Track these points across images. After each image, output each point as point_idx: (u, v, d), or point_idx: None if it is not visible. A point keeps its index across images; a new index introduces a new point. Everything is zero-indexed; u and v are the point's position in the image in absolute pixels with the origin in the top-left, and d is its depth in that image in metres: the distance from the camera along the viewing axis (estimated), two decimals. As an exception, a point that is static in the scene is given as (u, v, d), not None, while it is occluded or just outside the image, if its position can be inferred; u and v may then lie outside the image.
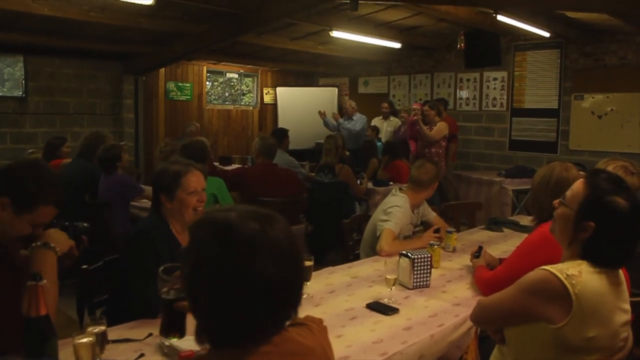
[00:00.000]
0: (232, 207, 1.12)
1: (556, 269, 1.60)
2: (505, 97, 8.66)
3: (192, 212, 2.34)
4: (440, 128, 6.78)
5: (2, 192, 1.76)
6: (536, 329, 1.62)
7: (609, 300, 1.60)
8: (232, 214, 1.08)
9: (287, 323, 1.14)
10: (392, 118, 8.45)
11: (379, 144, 7.57)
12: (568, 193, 1.73)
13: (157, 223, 2.31)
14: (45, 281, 1.51)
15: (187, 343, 1.76)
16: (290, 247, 1.09)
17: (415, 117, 6.90)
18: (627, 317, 1.66)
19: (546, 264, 1.75)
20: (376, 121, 8.62)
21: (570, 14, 6.71)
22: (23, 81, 7.59)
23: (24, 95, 7.59)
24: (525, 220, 4.12)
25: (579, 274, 1.58)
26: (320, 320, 1.29)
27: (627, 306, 1.68)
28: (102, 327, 1.70)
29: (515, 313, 1.69)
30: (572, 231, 1.68)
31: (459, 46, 7.95)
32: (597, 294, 1.58)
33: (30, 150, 6.25)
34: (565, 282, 1.56)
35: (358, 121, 8.15)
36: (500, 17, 6.33)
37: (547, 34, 7.44)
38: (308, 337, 1.17)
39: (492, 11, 6.35)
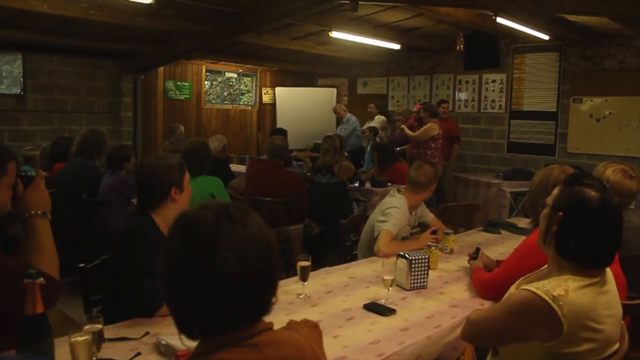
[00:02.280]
0: (208, 204, 1.14)
1: (542, 290, 1.56)
2: (504, 99, 8.68)
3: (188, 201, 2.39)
4: (427, 129, 6.78)
5: None
6: (529, 346, 1.61)
7: (598, 314, 1.57)
8: (202, 211, 1.11)
9: (267, 321, 1.16)
10: (377, 117, 8.49)
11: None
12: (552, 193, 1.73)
13: (145, 222, 2.31)
14: (41, 279, 1.50)
15: (184, 342, 1.75)
16: (258, 243, 1.10)
17: (399, 123, 7.26)
18: (618, 321, 1.65)
19: (543, 265, 1.75)
20: (369, 123, 8.65)
21: (570, 17, 6.72)
22: (21, 79, 7.58)
23: (22, 92, 7.59)
24: (523, 222, 4.12)
25: (565, 294, 1.54)
26: (314, 324, 1.29)
27: (617, 310, 1.66)
28: (99, 326, 1.69)
29: (504, 333, 1.67)
30: (546, 226, 1.67)
31: (458, 48, 7.96)
32: (585, 310, 1.55)
33: (28, 148, 6.23)
34: (553, 304, 1.52)
35: (349, 122, 8.29)
36: (499, 20, 6.34)
37: (546, 37, 7.46)
38: (296, 338, 1.19)
39: (491, 13, 6.35)
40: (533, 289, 1.58)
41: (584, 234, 1.60)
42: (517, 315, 1.60)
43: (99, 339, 1.68)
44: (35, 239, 1.80)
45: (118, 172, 4.56)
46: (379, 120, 8.44)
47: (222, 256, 1.05)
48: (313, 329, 1.27)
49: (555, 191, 1.70)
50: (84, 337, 1.60)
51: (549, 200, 1.71)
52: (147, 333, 1.89)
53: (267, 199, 4.61)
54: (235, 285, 1.06)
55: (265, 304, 1.13)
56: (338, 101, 10.51)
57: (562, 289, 1.56)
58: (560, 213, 1.63)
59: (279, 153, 5.01)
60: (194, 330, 1.11)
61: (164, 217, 2.31)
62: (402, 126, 6.99)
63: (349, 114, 8.56)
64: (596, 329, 1.56)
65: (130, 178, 4.66)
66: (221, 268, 1.05)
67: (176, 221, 1.13)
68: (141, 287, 2.04)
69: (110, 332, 1.87)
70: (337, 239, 3.77)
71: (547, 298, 1.54)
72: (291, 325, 1.25)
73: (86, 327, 1.66)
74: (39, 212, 1.83)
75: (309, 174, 6.21)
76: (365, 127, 8.46)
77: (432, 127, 6.80)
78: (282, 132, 6.51)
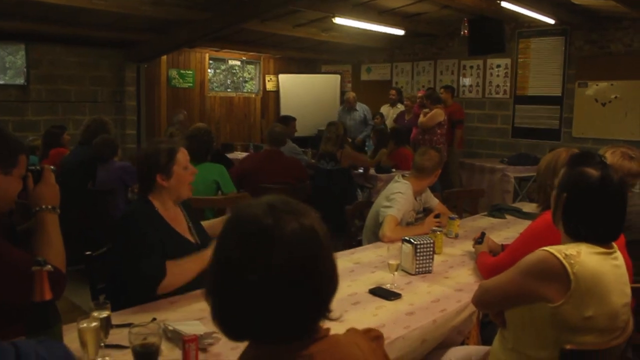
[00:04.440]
0: (259, 201, 1.04)
1: (555, 249, 1.63)
2: (508, 84, 8.63)
3: (187, 188, 2.40)
4: (434, 115, 6.76)
5: None
6: (535, 310, 1.64)
7: (607, 281, 1.62)
8: (254, 208, 1.02)
9: (326, 327, 1.07)
10: (398, 105, 8.44)
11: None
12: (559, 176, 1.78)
13: (140, 206, 2.35)
14: (49, 266, 1.52)
15: (191, 328, 1.77)
16: (316, 239, 1.01)
17: (408, 103, 7.31)
18: (627, 299, 1.68)
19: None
20: (383, 108, 8.63)
21: (575, 0, 6.66)
22: (25, 69, 7.57)
23: (26, 83, 7.59)
24: (528, 207, 4.13)
25: (577, 254, 1.60)
26: (377, 335, 1.21)
27: (627, 289, 1.70)
28: (107, 312, 1.71)
29: (515, 294, 1.71)
30: (555, 207, 1.74)
31: (462, 33, 7.90)
32: (595, 274, 1.60)
33: (31, 138, 6.25)
34: (564, 261, 1.58)
35: (361, 110, 8.30)
36: (504, 4, 6.29)
37: (551, 21, 7.39)
38: (354, 354, 1.10)
39: (496, -3, 6.31)
40: (547, 248, 1.64)
41: (587, 211, 1.67)
42: (529, 273, 1.66)
43: (106, 325, 1.70)
44: (43, 233, 1.83)
45: (112, 160, 4.59)
46: (400, 109, 8.38)
47: (277, 254, 0.97)
48: (373, 341, 1.19)
49: (561, 173, 1.75)
50: (92, 324, 1.61)
51: (556, 182, 1.76)
52: (154, 319, 1.91)
53: (270, 185, 4.62)
54: (289, 282, 0.98)
55: (324, 307, 1.05)
56: (342, 87, 10.48)
57: (575, 250, 1.62)
58: (565, 194, 1.69)
59: (278, 140, 5.03)
60: (241, 339, 1.04)
61: (160, 200, 2.36)
62: (424, 112, 6.90)
63: (358, 102, 8.54)
64: (604, 295, 1.60)
65: (126, 164, 4.69)
66: (277, 266, 0.97)
67: (227, 221, 1.06)
68: (138, 267, 2.09)
69: (117, 318, 1.89)
70: (341, 225, 3.78)
71: (559, 255, 1.60)
72: (350, 335, 1.16)
73: (94, 314, 1.67)
74: (49, 206, 1.86)
75: (312, 160, 6.21)
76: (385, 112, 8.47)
77: (438, 113, 6.78)
78: (290, 120, 6.50)
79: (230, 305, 1.00)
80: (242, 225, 1.01)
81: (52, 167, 1.96)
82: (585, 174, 1.66)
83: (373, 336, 1.20)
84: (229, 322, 1.02)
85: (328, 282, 1.05)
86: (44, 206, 1.85)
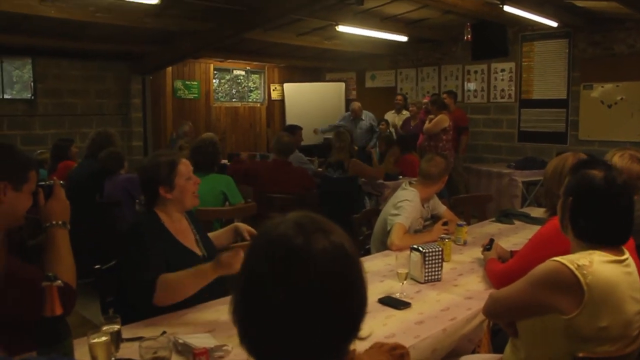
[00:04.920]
0: (288, 219, 1.01)
1: (567, 259, 1.60)
2: (513, 88, 8.61)
3: (192, 197, 2.40)
4: (438, 121, 6.75)
5: None
6: (548, 321, 1.62)
7: (621, 290, 1.60)
8: (281, 225, 0.99)
9: (352, 348, 1.02)
10: (404, 111, 8.44)
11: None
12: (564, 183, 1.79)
13: (146, 219, 2.36)
14: (59, 282, 1.52)
15: (201, 340, 1.77)
16: (342, 261, 0.98)
17: (413, 110, 7.34)
18: (639, 306, 1.65)
19: (559, 256, 1.74)
20: (388, 115, 8.64)
21: (578, 2, 6.66)
22: (32, 83, 7.64)
23: (32, 97, 7.64)
24: (536, 212, 4.10)
25: (589, 264, 1.58)
26: (401, 354, 1.17)
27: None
28: (117, 326, 1.71)
29: (527, 305, 1.69)
30: (562, 214, 1.74)
31: (465, 38, 7.90)
32: (608, 283, 1.58)
33: (39, 152, 6.29)
34: (577, 272, 1.56)
35: (367, 119, 8.34)
36: (506, 8, 6.28)
37: (554, 24, 7.38)
38: None
39: (498, 2, 6.30)
40: (558, 259, 1.63)
41: (593, 213, 1.66)
42: (541, 284, 1.64)
43: (117, 339, 1.70)
44: (54, 248, 1.83)
45: (118, 173, 4.62)
46: (405, 115, 8.38)
47: (309, 274, 0.93)
48: (397, 359, 1.16)
49: (566, 180, 1.75)
50: (102, 338, 1.62)
51: (562, 190, 1.76)
52: (164, 332, 1.91)
53: (277, 195, 4.62)
54: (320, 303, 0.93)
55: (355, 328, 0.99)
56: (347, 95, 10.49)
57: (587, 260, 1.60)
58: (570, 198, 1.69)
59: (286, 150, 5.03)
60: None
61: (166, 212, 2.36)
62: (429, 118, 6.90)
63: (363, 111, 8.55)
64: (617, 305, 1.59)
65: (132, 176, 4.71)
66: (308, 287, 0.93)
67: (255, 240, 1.02)
68: (140, 278, 2.08)
69: (127, 332, 1.89)
70: (349, 234, 3.77)
71: (571, 266, 1.58)
72: (375, 354, 1.13)
73: (104, 328, 1.68)
74: (59, 222, 1.87)
75: (319, 169, 6.22)
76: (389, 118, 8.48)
77: (443, 119, 6.77)
78: (296, 129, 6.51)
79: (258, 327, 0.96)
80: (272, 246, 0.97)
81: (61, 182, 1.97)
82: (588, 176, 1.66)
83: (398, 354, 1.17)
84: (256, 344, 0.98)
85: (359, 301, 1.00)
86: (54, 222, 1.86)
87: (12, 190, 1.78)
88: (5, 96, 7.52)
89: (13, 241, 1.91)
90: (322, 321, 0.94)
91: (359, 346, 1.07)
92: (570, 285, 1.57)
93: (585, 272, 1.56)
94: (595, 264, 1.59)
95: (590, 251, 1.64)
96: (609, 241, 1.66)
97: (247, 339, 0.98)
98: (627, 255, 1.68)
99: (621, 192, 1.65)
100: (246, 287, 0.98)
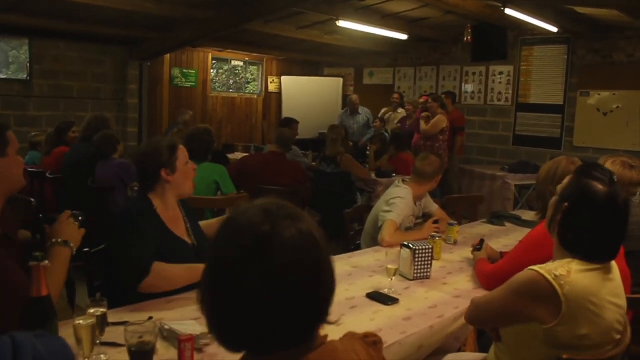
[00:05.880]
0: (256, 206, 1.00)
1: (545, 269, 1.58)
2: (510, 91, 8.63)
3: (191, 183, 2.41)
4: (437, 122, 6.74)
5: None
6: (529, 328, 1.62)
7: (600, 297, 1.58)
8: (250, 209, 1.00)
9: (324, 334, 1.04)
10: (399, 110, 8.44)
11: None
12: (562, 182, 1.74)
13: (139, 204, 2.36)
14: (47, 262, 1.51)
15: (188, 327, 1.76)
16: (312, 241, 0.99)
17: (409, 108, 7.33)
18: (621, 312, 1.65)
19: (549, 259, 1.74)
20: (384, 111, 8.62)
21: (579, 9, 6.67)
22: (28, 64, 7.58)
23: (28, 78, 7.59)
24: (528, 215, 4.12)
25: (567, 274, 1.56)
26: (374, 340, 1.18)
27: (621, 301, 1.66)
28: (103, 310, 1.70)
29: (506, 313, 1.69)
30: (552, 214, 1.69)
31: (465, 39, 7.89)
32: (586, 292, 1.56)
33: (34, 133, 6.25)
34: (554, 283, 1.54)
35: (364, 114, 8.32)
36: (508, 11, 6.29)
37: (555, 29, 7.40)
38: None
39: (500, 4, 6.31)
40: (536, 269, 1.60)
41: (586, 227, 1.61)
42: (519, 294, 1.62)
43: (102, 322, 1.69)
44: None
45: (112, 157, 4.60)
46: (401, 113, 8.37)
47: (276, 261, 0.94)
48: (371, 346, 1.17)
49: (566, 180, 1.71)
50: (88, 321, 1.61)
51: (559, 188, 1.71)
52: (150, 317, 1.90)
53: (270, 187, 4.62)
54: (289, 290, 0.94)
55: (323, 313, 1.01)
56: (344, 91, 10.49)
57: (565, 269, 1.58)
58: (566, 204, 1.63)
59: (287, 144, 5.08)
60: (239, 349, 1.00)
61: (162, 199, 2.35)
62: (423, 116, 6.89)
63: (360, 107, 8.56)
64: (597, 313, 1.57)
65: (125, 162, 4.70)
66: (275, 274, 0.93)
67: (222, 228, 1.02)
68: (129, 256, 2.10)
69: (113, 316, 1.88)
70: (340, 229, 3.78)
71: (548, 277, 1.56)
72: (348, 342, 1.14)
73: (90, 311, 1.67)
74: (59, 240, 1.87)
75: (313, 163, 6.22)
76: (383, 115, 8.47)
77: (441, 120, 6.77)
78: (293, 122, 6.51)
79: (227, 315, 0.97)
80: (238, 233, 0.97)
81: (78, 212, 1.99)
82: (591, 188, 1.59)
83: (371, 341, 1.18)
84: (225, 333, 0.99)
85: (327, 287, 1.02)
86: (54, 240, 1.87)
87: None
88: (1, 76, 7.47)
89: (18, 253, 1.88)
90: (291, 307, 0.95)
91: (330, 333, 1.08)
92: (547, 296, 1.55)
93: (562, 282, 1.54)
94: (573, 274, 1.56)
95: (569, 259, 1.62)
96: (595, 257, 1.62)
97: (216, 328, 0.99)
98: (606, 263, 1.65)
99: (620, 211, 1.60)
100: (214, 275, 0.98)
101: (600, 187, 1.59)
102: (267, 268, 0.93)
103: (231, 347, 1.00)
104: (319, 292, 1.00)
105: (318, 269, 1.00)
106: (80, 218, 1.97)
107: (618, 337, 1.64)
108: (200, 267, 2.07)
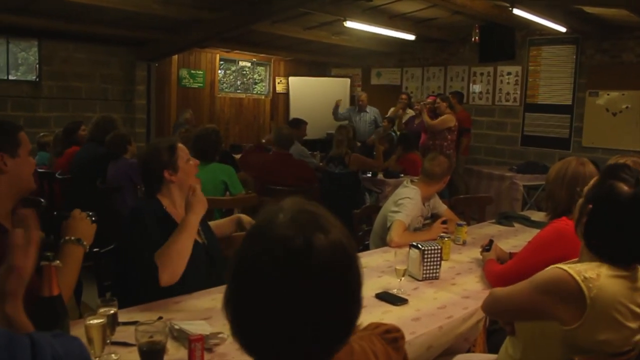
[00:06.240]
0: (285, 216, 0.95)
1: (574, 269, 1.55)
2: (518, 92, 8.60)
3: (194, 179, 2.42)
4: (445, 119, 6.73)
5: None
6: (547, 327, 1.60)
7: (624, 307, 1.55)
8: (277, 214, 0.96)
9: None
10: (408, 110, 8.42)
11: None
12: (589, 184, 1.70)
13: (148, 204, 2.36)
14: (58, 262, 1.52)
15: (198, 327, 1.77)
16: (341, 259, 0.95)
17: (418, 108, 7.14)
18: None
19: (558, 260, 1.73)
20: (392, 111, 8.61)
21: (587, 9, 6.63)
22: (37, 65, 7.62)
23: (37, 79, 7.64)
24: (537, 215, 4.10)
25: (597, 277, 1.52)
26: (395, 337, 1.15)
27: None
28: (114, 309, 1.71)
29: (527, 309, 1.66)
30: (578, 216, 1.66)
31: (473, 39, 7.87)
32: (612, 299, 1.53)
33: (42, 134, 6.29)
34: (582, 284, 1.51)
35: (371, 112, 8.31)
36: (516, 11, 6.27)
37: (563, 29, 7.36)
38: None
39: (508, 4, 6.28)
40: (565, 268, 1.57)
41: (610, 229, 1.57)
42: (544, 291, 1.59)
43: (113, 322, 1.70)
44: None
45: (123, 157, 4.61)
46: (409, 114, 8.35)
47: (308, 276, 0.90)
48: (391, 343, 1.14)
49: (592, 181, 1.67)
50: (98, 320, 1.61)
51: (585, 190, 1.68)
52: (160, 317, 1.91)
53: (278, 187, 4.63)
54: (320, 304, 0.91)
55: (350, 327, 0.97)
56: (352, 91, 10.48)
57: (595, 272, 1.54)
58: (590, 205, 1.60)
59: (287, 142, 5.04)
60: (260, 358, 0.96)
61: (170, 198, 2.37)
62: (424, 110, 6.89)
63: (368, 105, 8.55)
64: (620, 321, 1.54)
65: (135, 162, 4.71)
66: (307, 290, 0.90)
67: (250, 240, 0.97)
68: (142, 260, 2.07)
69: (123, 316, 1.89)
70: (348, 229, 3.78)
71: (577, 278, 1.53)
72: (366, 340, 1.10)
73: (101, 310, 1.68)
74: (72, 238, 1.86)
75: (321, 163, 6.22)
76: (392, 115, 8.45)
77: (450, 118, 6.76)
78: (301, 123, 6.51)
79: (254, 324, 0.94)
80: (270, 246, 0.93)
81: (90, 212, 1.98)
82: (616, 189, 1.56)
83: (392, 338, 1.15)
84: (251, 341, 0.96)
85: (356, 299, 0.97)
86: (67, 237, 1.86)
87: (10, 158, 1.79)
88: (10, 77, 7.51)
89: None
90: (319, 319, 0.92)
91: None
92: (573, 296, 1.53)
93: (591, 285, 1.51)
94: (602, 278, 1.53)
95: (599, 263, 1.59)
96: (620, 260, 1.58)
97: (240, 335, 0.96)
98: (637, 270, 1.62)
99: None
100: (243, 285, 0.95)
101: (625, 188, 1.55)
102: (298, 281, 0.90)
103: (254, 355, 0.97)
104: (348, 304, 0.96)
105: (348, 281, 0.96)
106: (92, 217, 1.97)
107: (637, 338, 1.60)
108: (183, 219, 2.10)
